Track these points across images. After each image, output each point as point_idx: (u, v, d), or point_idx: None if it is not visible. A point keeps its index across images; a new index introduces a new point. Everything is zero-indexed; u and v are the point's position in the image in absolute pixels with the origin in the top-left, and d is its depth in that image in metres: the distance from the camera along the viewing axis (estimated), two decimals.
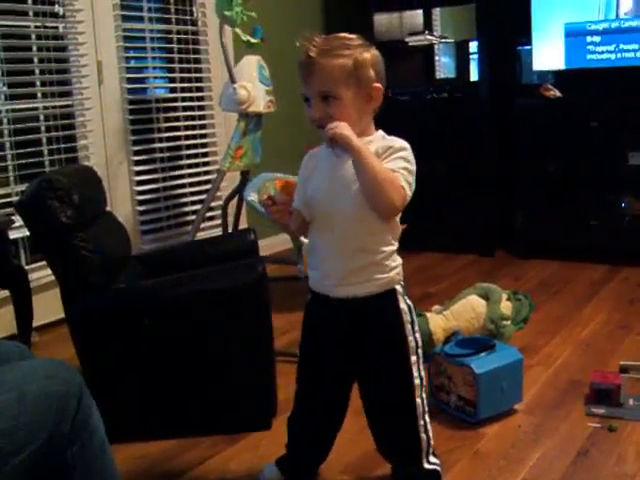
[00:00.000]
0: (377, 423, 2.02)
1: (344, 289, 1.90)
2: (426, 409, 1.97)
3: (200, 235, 4.12)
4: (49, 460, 1.36)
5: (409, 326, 1.93)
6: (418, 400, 1.94)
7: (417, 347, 1.94)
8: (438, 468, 2.01)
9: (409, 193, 1.80)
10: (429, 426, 1.98)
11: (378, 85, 1.84)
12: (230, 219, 4.31)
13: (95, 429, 1.47)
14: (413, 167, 1.85)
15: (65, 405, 1.39)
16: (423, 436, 1.97)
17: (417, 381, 1.94)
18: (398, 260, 1.94)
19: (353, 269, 1.88)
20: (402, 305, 1.92)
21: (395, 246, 1.92)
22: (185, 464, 2.33)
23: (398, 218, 1.91)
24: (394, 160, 1.81)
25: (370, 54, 1.84)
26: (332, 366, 2.01)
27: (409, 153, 1.85)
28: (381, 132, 1.92)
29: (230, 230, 4.22)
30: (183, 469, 2.31)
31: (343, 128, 1.77)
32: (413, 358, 1.93)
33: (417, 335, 1.95)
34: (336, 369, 2.01)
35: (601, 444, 2.33)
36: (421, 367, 1.96)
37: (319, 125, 1.83)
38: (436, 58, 5.56)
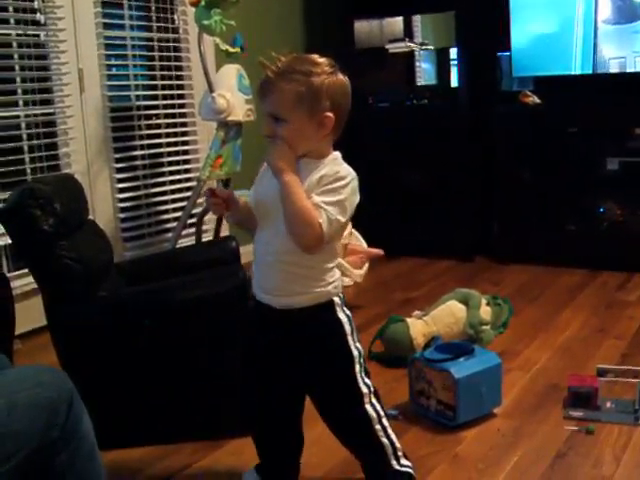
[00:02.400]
0: (334, 432, 2.05)
1: (279, 299, 1.92)
2: (382, 414, 1.98)
3: (181, 242, 4.13)
4: (39, 466, 1.37)
5: (349, 337, 1.94)
6: (368, 407, 1.96)
7: (360, 356, 1.96)
8: (410, 470, 2.03)
9: (328, 231, 1.78)
10: (389, 430, 1.99)
11: (329, 115, 1.82)
12: (211, 226, 4.33)
13: (85, 434, 1.48)
14: (348, 197, 1.82)
15: (55, 412, 1.40)
16: (385, 440, 1.98)
17: (364, 389, 1.96)
18: (336, 275, 1.95)
19: (287, 280, 1.89)
20: (340, 315, 1.94)
21: (333, 263, 1.93)
22: (168, 470, 2.34)
23: (338, 239, 1.93)
24: (325, 194, 1.81)
25: (331, 81, 1.82)
26: (275, 374, 2.00)
27: (346, 183, 1.82)
28: (335, 155, 1.90)
29: (212, 238, 4.24)
30: (167, 474, 2.32)
31: (279, 157, 1.81)
32: (357, 367, 1.95)
33: (359, 344, 1.96)
34: (280, 377, 2.01)
35: (579, 447, 2.37)
36: (364, 375, 1.97)
37: (271, 142, 1.85)
38: (416, 65, 5.58)
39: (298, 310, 1.90)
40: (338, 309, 1.94)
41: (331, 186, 1.81)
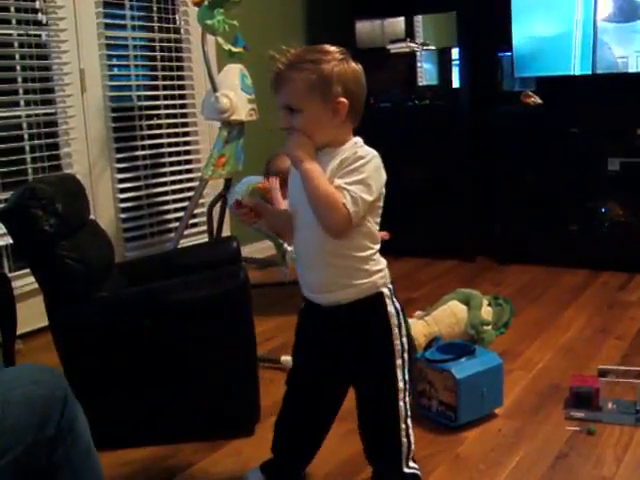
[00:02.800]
0: (362, 424, 2.04)
1: (326, 296, 1.92)
2: (409, 413, 1.98)
3: (183, 242, 4.13)
4: (35, 463, 1.38)
5: (396, 330, 1.93)
6: (401, 404, 1.96)
7: (403, 351, 1.95)
8: (417, 472, 2.02)
9: (355, 210, 1.78)
10: (410, 431, 1.99)
11: (343, 100, 1.82)
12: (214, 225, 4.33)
13: (81, 432, 1.49)
14: (371, 175, 1.82)
15: (50, 409, 1.41)
16: (404, 440, 1.98)
17: (401, 384, 1.95)
18: (381, 264, 1.94)
19: (330, 276, 1.89)
20: (390, 308, 1.93)
21: (373, 249, 1.91)
22: (169, 470, 2.34)
23: (374, 223, 1.90)
24: (346, 175, 1.81)
25: (341, 68, 1.83)
26: (321, 372, 2.03)
27: (367, 161, 1.82)
28: (355, 140, 1.90)
29: (213, 237, 4.24)
30: (167, 475, 2.32)
31: (297, 147, 1.82)
32: (398, 362, 1.94)
33: (404, 339, 1.95)
34: (325, 375, 2.03)
35: (580, 447, 2.37)
36: (406, 371, 1.97)
37: (289, 134, 1.86)
38: (418, 65, 5.58)
39: (346, 306, 1.90)
40: (388, 302, 1.93)
41: (351, 167, 1.81)
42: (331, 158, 1.85)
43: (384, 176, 1.87)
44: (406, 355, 1.97)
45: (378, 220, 1.93)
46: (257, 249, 4.68)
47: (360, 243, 1.88)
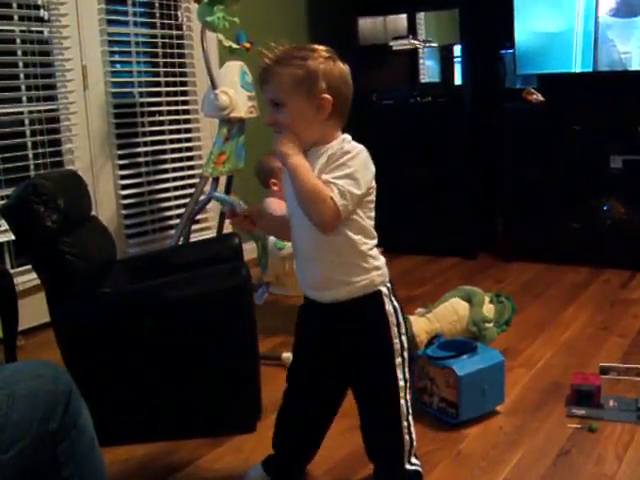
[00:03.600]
0: (364, 422, 2.04)
1: (324, 294, 1.93)
2: (410, 411, 1.99)
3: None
4: (39, 456, 1.39)
5: (395, 328, 1.94)
6: (402, 402, 1.96)
7: (402, 349, 1.96)
8: (419, 469, 2.03)
9: (343, 203, 1.78)
10: (412, 428, 2.00)
11: (327, 96, 1.83)
12: (214, 223, 4.33)
13: (84, 427, 1.49)
14: (358, 169, 1.82)
15: (53, 403, 1.41)
16: (406, 437, 1.99)
17: (402, 383, 1.96)
18: (379, 261, 1.95)
19: (327, 273, 1.90)
20: (388, 307, 1.94)
21: (369, 244, 1.91)
22: (170, 466, 2.35)
23: (366, 218, 1.90)
24: (334, 169, 1.82)
25: (328, 66, 1.85)
26: (320, 370, 2.04)
27: (354, 156, 1.83)
28: (343, 137, 1.91)
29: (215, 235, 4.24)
30: (169, 471, 2.32)
31: (283, 143, 1.83)
32: (398, 360, 1.95)
33: (403, 338, 1.96)
34: (323, 373, 2.04)
35: (581, 445, 2.37)
36: (406, 369, 1.98)
37: (274, 130, 1.88)
38: (420, 62, 5.59)
39: (344, 303, 1.91)
40: (386, 300, 1.94)
41: (338, 162, 1.82)
42: (319, 156, 1.86)
43: (372, 170, 1.88)
44: (406, 354, 1.98)
45: (372, 215, 1.93)
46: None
47: (354, 238, 1.88)
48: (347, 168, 1.81)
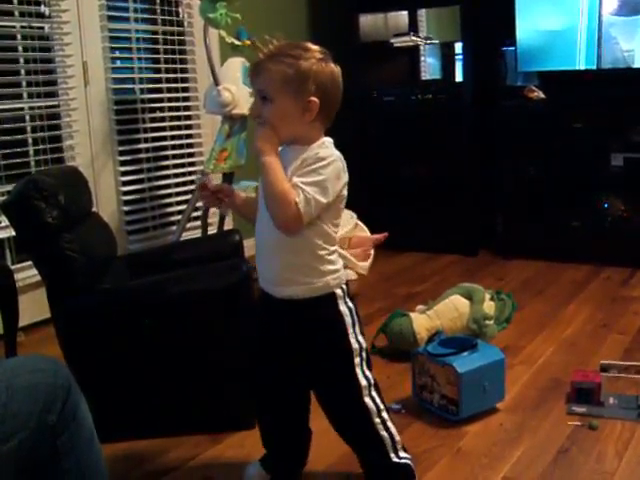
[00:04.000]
0: (334, 425, 2.05)
1: (278, 289, 1.94)
2: (381, 407, 1.99)
3: (185, 235, 4.13)
4: (38, 449, 1.39)
5: (351, 329, 1.94)
6: (367, 400, 1.96)
7: (361, 349, 1.96)
8: (408, 462, 2.03)
9: (306, 210, 1.78)
10: (389, 423, 2.00)
11: (314, 99, 1.83)
12: (215, 220, 4.34)
13: (83, 421, 1.50)
14: (329, 178, 1.82)
15: (52, 396, 1.42)
16: (383, 434, 1.99)
17: (364, 382, 1.96)
18: (337, 265, 1.95)
19: (282, 271, 1.91)
20: (342, 308, 1.94)
21: (328, 250, 1.91)
22: (170, 462, 2.35)
23: (330, 225, 1.90)
24: (305, 174, 1.82)
25: (319, 67, 1.84)
26: (279, 365, 2.03)
27: (326, 164, 1.83)
28: (324, 140, 1.90)
29: (215, 231, 4.24)
30: (168, 467, 2.32)
31: (262, 140, 1.83)
32: (357, 360, 1.95)
33: (360, 337, 1.96)
34: (284, 368, 2.03)
35: (582, 442, 2.37)
36: (366, 368, 1.98)
37: (257, 122, 1.88)
38: (421, 59, 5.58)
39: (298, 301, 1.91)
40: (340, 302, 1.94)
41: (311, 167, 1.82)
42: (296, 155, 1.86)
43: (345, 179, 1.88)
44: (364, 353, 1.98)
45: (337, 222, 1.93)
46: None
47: (314, 243, 1.89)
48: (317, 175, 1.81)
